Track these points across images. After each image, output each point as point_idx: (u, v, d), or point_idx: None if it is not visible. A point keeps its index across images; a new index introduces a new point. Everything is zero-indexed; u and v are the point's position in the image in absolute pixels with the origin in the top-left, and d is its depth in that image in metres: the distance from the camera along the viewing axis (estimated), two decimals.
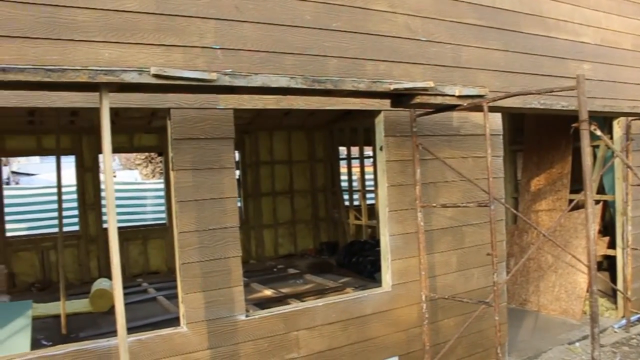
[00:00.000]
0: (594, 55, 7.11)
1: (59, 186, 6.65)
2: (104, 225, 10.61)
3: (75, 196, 10.58)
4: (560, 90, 4.39)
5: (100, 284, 8.24)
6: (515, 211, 6.24)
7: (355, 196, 12.97)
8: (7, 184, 18.73)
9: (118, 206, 10.03)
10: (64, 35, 3.73)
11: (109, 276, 9.10)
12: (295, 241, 12.70)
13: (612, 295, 7.87)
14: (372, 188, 11.98)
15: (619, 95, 7.31)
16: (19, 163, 22.41)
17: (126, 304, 3.37)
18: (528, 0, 6.42)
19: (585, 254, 7.42)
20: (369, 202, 12.25)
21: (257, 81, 3.67)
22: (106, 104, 3.24)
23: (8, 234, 10.22)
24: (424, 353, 5.21)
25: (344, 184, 12.87)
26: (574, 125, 4.35)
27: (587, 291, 7.50)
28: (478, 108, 4.70)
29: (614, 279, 7.61)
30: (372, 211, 11.97)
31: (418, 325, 5.31)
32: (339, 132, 12.58)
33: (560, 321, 7.45)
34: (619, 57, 7.43)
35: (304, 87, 3.84)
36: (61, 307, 6.75)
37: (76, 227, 10.60)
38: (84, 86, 3.24)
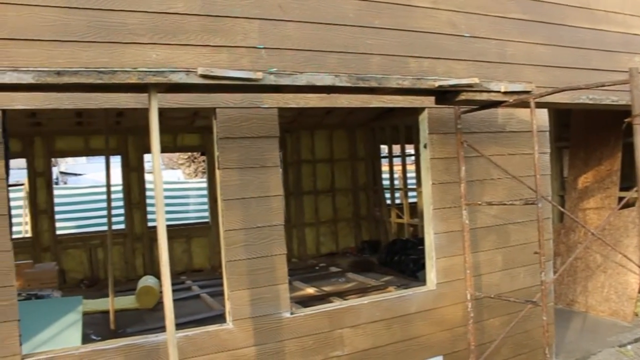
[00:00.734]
0: None
1: (108, 185, 6.77)
2: (149, 224, 10.86)
3: (121, 195, 10.82)
4: (613, 84, 4.26)
5: (146, 281, 8.41)
6: (562, 209, 6.09)
7: (397, 194, 12.88)
8: (56, 184, 19.30)
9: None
10: (114, 38, 3.83)
11: (153, 273, 9.37)
12: (337, 240, 12.68)
13: None
14: (414, 186, 11.91)
15: None
16: (66, 163, 23.04)
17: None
18: None
19: (636, 254, 7.28)
20: (410, 200, 12.16)
21: (302, 80, 3.70)
22: (155, 104, 3.31)
23: (58, 232, 10.53)
24: (469, 353, 5.14)
25: (386, 182, 12.80)
26: (627, 120, 4.22)
27: (639, 292, 7.29)
28: (524, 104, 4.62)
29: None
30: (414, 209, 11.90)
31: (463, 324, 5.25)
32: (380, 130, 12.50)
33: (609, 323, 7.24)
34: None
35: (349, 85, 3.85)
36: (110, 303, 6.93)
37: (122, 226, 10.83)
38: (133, 87, 3.33)
